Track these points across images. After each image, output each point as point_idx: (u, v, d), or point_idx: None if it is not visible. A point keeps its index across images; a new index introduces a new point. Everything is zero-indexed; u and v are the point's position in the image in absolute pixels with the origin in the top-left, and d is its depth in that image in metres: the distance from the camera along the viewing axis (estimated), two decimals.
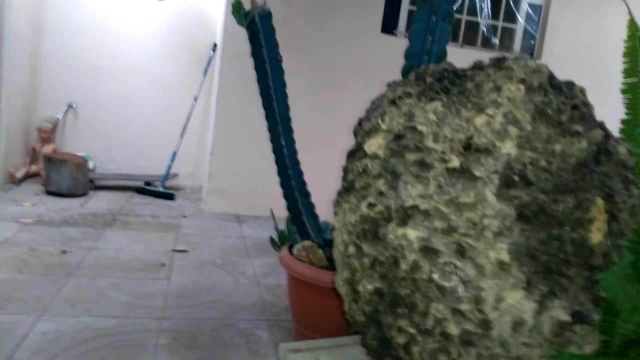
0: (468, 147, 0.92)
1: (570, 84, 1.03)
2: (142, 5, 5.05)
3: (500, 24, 5.05)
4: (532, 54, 5.12)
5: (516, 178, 0.89)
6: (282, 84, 2.01)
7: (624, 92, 1.35)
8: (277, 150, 2.10)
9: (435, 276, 0.86)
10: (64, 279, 2.62)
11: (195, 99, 5.07)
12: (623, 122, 1.32)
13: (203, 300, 2.59)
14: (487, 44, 5.02)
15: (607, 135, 1.02)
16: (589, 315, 0.90)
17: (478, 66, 1.03)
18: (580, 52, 5.02)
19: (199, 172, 5.35)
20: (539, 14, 5.13)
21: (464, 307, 0.85)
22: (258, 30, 1.92)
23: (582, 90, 1.03)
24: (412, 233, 0.88)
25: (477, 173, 0.89)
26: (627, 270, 0.93)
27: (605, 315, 0.93)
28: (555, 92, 1.00)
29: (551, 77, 1.02)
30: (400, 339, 0.90)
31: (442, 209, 0.88)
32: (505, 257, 0.86)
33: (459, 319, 0.85)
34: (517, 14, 5.12)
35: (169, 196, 4.67)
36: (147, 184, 4.86)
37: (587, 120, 1.00)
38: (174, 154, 4.92)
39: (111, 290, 2.56)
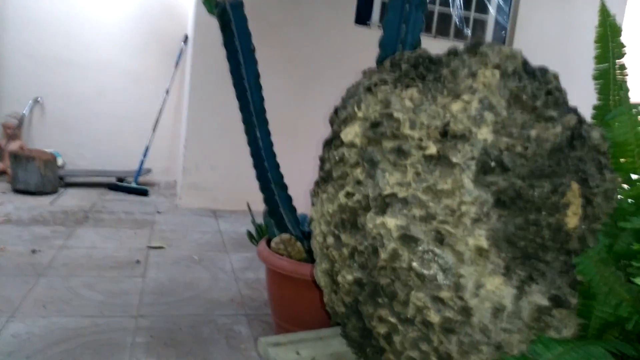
0: (445, 134, 0.91)
1: (544, 70, 1.03)
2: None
3: (472, 14, 5.10)
4: (503, 44, 5.19)
5: (493, 164, 0.89)
6: (256, 75, 1.97)
7: (595, 78, 1.36)
8: (252, 143, 2.06)
9: (415, 264, 0.86)
10: (35, 279, 2.54)
11: (167, 92, 4.97)
12: (595, 107, 1.34)
13: (180, 297, 2.55)
14: (459, 34, 5.06)
15: (581, 120, 1.03)
16: (567, 299, 0.91)
17: (453, 52, 1.02)
18: (551, 42, 5.11)
19: (173, 167, 5.26)
20: (509, 4, 5.19)
21: (444, 294, 0.85)
22: (230, 19, 1.87)
23: (556, 76, 1.03)
24: (391, 221, 0.87)
25: (454, 159, 0.88)
26: (603, 254, 0.94)
27: (583, 299, 0.94)
28: (529, 77, 1.00)
29: (525, 63, 1.02)
30: (381, 329, 0.89)
31: (420, 197, 0.87)
32: (483, 243, 0.86)
33: (439, 306, 0.85)
34: (488, 5, 5.17)
35: (142, 192, 4.57)
36: (120, 180, 4.75)
37: (560, 106, 1.00)
38: (147, 149, 4.82)
39: (84, 290, 2.49)
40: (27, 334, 2.00)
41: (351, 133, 0.97)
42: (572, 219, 0.90)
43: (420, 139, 0.91)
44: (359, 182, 0.93)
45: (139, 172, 4.76)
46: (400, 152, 0.91)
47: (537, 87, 0.99)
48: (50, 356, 1.87)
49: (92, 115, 5.02)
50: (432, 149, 0.90)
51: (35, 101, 4.81)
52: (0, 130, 4.62)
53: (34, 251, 2.90)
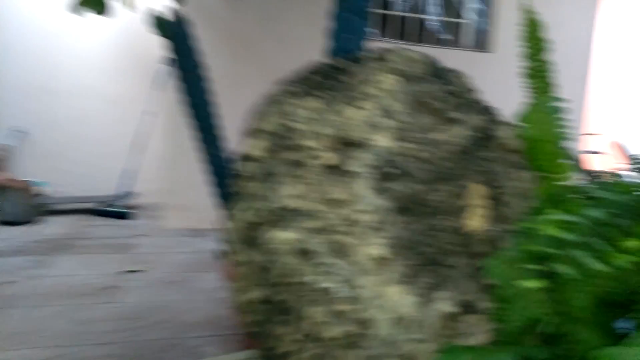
0: (343, 143, 0.90)
1: (452, 72, 1.02)
2: (91, 24, 4.94)
3: (452, 20, 5.11)
4: (484, 48, 5.18)
5: (393, 171, 0.87)
6: (205, 92, 1.97)
7: (528, 77, 1.34)
8: (210, 161, 2.05)
9: (312, 278, 0.83)
10: (5, 311, 2.51)
11: (151, 114, 4.98)
12: (527, 107, 1.32)
13: (152, 321, 2.52)
14: (440, 40, 5.07)
15: (491, 120, 1.01)
16: (477, 304, 0.88)
17: (361, 60, 1.01)
18: None
19: (159, 189, 5.25)
20: (487, 7, 5.19)
21: (343, 307, 0.82)
22: (177, 41, 1.88)
23: (465, 77, 1.02)
24: (288, 235, 0.85)
25: (352, 168, 0.87)
26: (513, 255, 0.92)
27: (496, 303, 0.91)
28: (435, 80, 0.98)
29: (432, 65, 1.01)
30: (287, 347, 0.86)
31: (317, 208, 0.85)
32: (382, 252, 0.83)
33: (339, 320, 0.82)
34: (466, 9, 5.18)
35: (126, 215, 4.56)
36: (105, 204, 4.74)
37: (469, 107, 0.99)
38: (132, 172, 4.82)
39: (54, 319, 2.46)
40: None
41: (256, 147, 0.96)
42: (475, 221, 0.88)
43: (318, 149, 0.89)
44: (260, 197, 0.91)
45: (125, 195, 4.76)
46: (299, 164, 0.89)
47: (442, 90, 0.97)
48: None
49: (77, 142, 5.04)
50: (329, 159, 0.88)
51: (20, 132, 4.83)
52: None
53: (6, 283, 2.88)
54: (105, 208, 4.65)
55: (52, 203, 4.61)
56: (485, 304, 0.88)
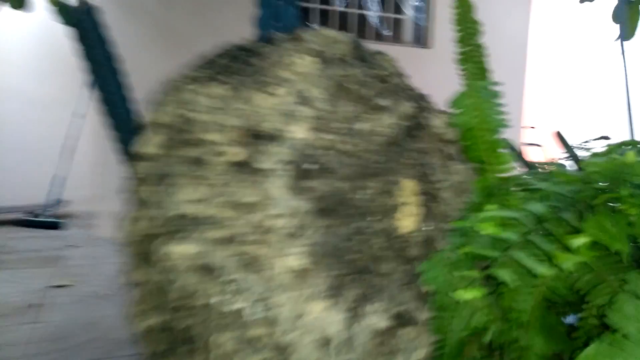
0: (253, 136, 0.76)
1: (377, 54, 0.91)
2: (12, 21, 4.54)
3: (391, 15, 5.08)
4: (423, 44, 5.19)
5: (311, 167, 0.75)
6: (121, 87, 1.77)
7: (460, 62, 1.26)
8: (128, 162, 1.86)
9: (221, 299, 0.70)
10: None
11: (80, 116, 4.64)
12: (460, 92, 1.24)
13: (78, 341, 2.28)
14: (379, 36, 5.02)
15: (423, 108, 0.91)
16: (414, 315, 0.78)
17: (273, 41, 0.88)
18: None
19: (90, 195, 4.91)
20: (426, 3, 5.20)
21: (256, 332, 0.69)
22: (85, 29, 1.68)
23: (391, 61, 0.91)
24: (187, 248, 0.71)
25: (262, 166, 0.74)
26: (453, 256, 0.82)
27: (434, 312, 0.81)
28: (359, 63, 0.87)
29: (356, 47, 0.90)
30: None
31: (221, 215, 0.72)
32: (303, 262, 0.71)
33: (251, 349, 0.69)
34: (405, 5, 5.17)
35: (55, 225, 4.23)
36: (33, 214, 4.37)
37: (398, 93, 0.88)
38: (61, 178, 4.47)
39: None
40: None
41: (151, 142, 0.81)
42: (407, 221, 0.77)
43: (223, 144, 0.75)
44: (153, 203, 0.76)
45: (53, 203, 4.41)
46: (200, 162, 0.75)
47: (367, 74, 0.86)
48: None
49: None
50: (236, 155, 0.74)
51: None
52: None
53: None
54: (32, 218, 4.30)
55: None
56: (424, 314, 0.78)
